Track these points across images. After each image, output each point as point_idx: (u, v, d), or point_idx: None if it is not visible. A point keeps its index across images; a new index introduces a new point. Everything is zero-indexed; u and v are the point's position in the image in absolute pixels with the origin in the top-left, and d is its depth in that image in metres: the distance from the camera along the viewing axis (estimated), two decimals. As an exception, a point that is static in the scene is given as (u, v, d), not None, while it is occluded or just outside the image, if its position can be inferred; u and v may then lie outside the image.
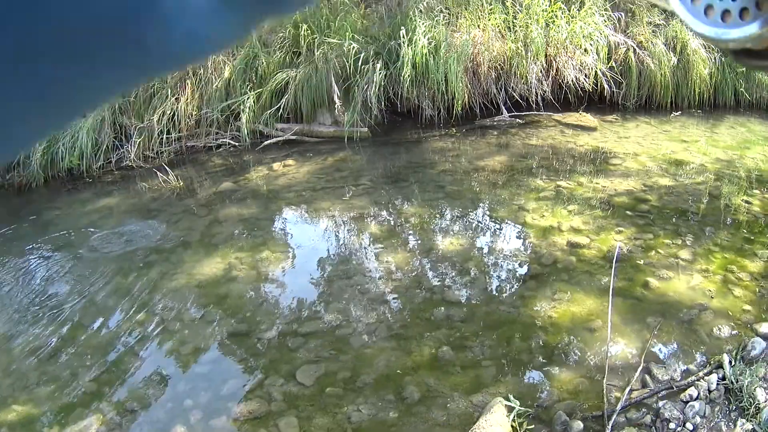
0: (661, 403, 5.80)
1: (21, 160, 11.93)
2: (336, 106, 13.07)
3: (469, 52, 13.08)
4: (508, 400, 5.65)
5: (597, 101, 13.70)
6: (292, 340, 6.89)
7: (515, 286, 7.92)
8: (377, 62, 13.03)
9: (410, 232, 9.44)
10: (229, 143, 13.33)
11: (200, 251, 9.04)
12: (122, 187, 11.98)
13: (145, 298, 7.92)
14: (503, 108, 13.46)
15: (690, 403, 5.73)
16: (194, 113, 13.23)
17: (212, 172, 12.32)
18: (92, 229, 10.10)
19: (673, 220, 9.15)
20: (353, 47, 13.07)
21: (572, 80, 13.08)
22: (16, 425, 5.98)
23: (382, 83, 13.00)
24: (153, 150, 12.89)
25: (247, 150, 13.05)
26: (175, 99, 13.11)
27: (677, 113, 13.63)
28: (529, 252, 8.66)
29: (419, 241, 9.12)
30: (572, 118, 13.20)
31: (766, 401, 5.64)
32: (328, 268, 8.61)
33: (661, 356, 6.50)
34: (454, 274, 8.19)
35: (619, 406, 5.73)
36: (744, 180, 10.70)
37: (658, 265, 7.95)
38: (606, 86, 13.22)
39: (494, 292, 7.80)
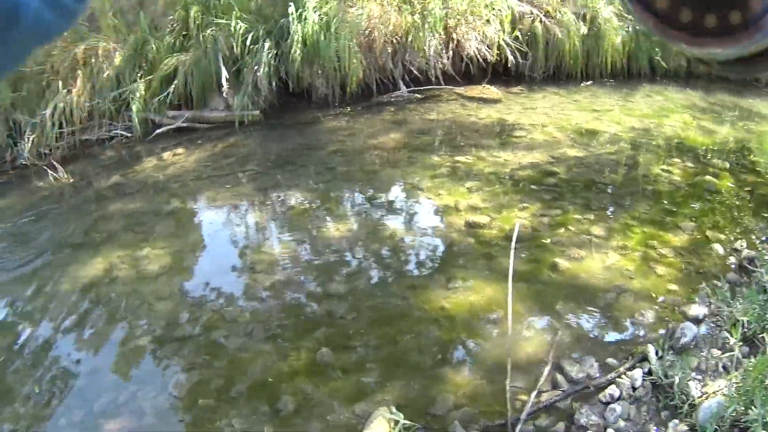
0: (576, 406, 4.78)
1: None
2: (224, 89, 11.93)
3: (363, 27, 11.95)
4: (390, 411, 4.66)
5: (502, 73, 12.53)
6: (167, 346, 6.12)
7: (406, 275, 6.77)
8: (267, 42, 11.93)
9: (295, 218, 8.32)
10: (121, 134, 12.20)
11: (84, 251, 8.15)
12: (15, 187, 10.96)
13: (24, 309, 7.16)
14: (401, 83, 12.33)
15: (611, 405, 4.76)
16: (86, 105, 12.06)
17: (103, 166, 11.32)
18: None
19: (584, 193, 7.99)
20: (240, 27, 11.97)
21: (474, 52, 11.96)
22: None
23: (273, 63, 11.97)
24: (47, 146, 11.73)
25: (139, 140, 11.98)
26: (67, 91, 11.94)
27: (588, 83, 12.57)
28: (422, 235, 7.51)
29: (303, 230, 7.99)
30: (474, 91, 12.04)
31: (701, 396, 4.71)
32: (207, 263, 7.70)
33: (575, 350, 5.40)
34: (339, 263, 7.12)
35: (525, 413, 4.70)
36: (662, 148, 9.65)
37: (568, 243, 6.82)
38: (510, 57, 12.11)
39: (382, 283, 6.72)
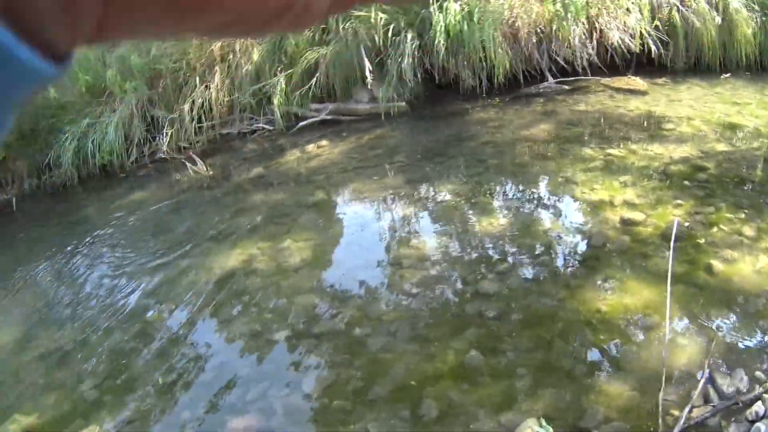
0: (724, 424, 4.52)
1: (53, 160, 12.04)
2: (368, 81, 11.98)
3: (505, 16, 11.90)
4: (540, 424, 4.49)
5: (645, 64, 12.27)
6: (304, 343, 6.12)
7: (559, 274, 6.60)
8: (409, 33, 11.96)
9: (445, 212, 8.30)
10: (263, 128, 12.58)
11: (223, 242, 8.42)
12: (154, 180, 11.66)
13: (161, 297, 7.42)
14: (548, 74, 12.22)
15: (756, 423, 4.39)
16: (225, 100, 12.54)
17: (245, 159, 11.67)
18: (118, 226, 9.86)
19: (734, 190, 7.74)
20: (381, 19, 12.02)
21: (617, 42, 11.76)
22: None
23: (417, 54, 11.99)
24: (186, 140, 12.30)
25: (281, 133, 12.30)
26: (205, 87, 12.41)
27: (727, 75, 12.09)
28: (577, 232, 7.40)
29: (454, 223, 7.99)
30: (621, 82, 11.85)
31: None
32: (351, 257, 7.81)
33: (726, 361, 5.10)
34: (491, 261, 6.99)
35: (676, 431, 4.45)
36: None
37: (721, 244, 6.58)
38: (653, 47, 11.82)
39: (535, 282, 6.51)
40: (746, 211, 7.12)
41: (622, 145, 9.29)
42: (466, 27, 11.65)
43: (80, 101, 12.77)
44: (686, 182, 7.93)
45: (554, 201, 8.27)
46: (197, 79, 12.44)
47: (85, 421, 5.61)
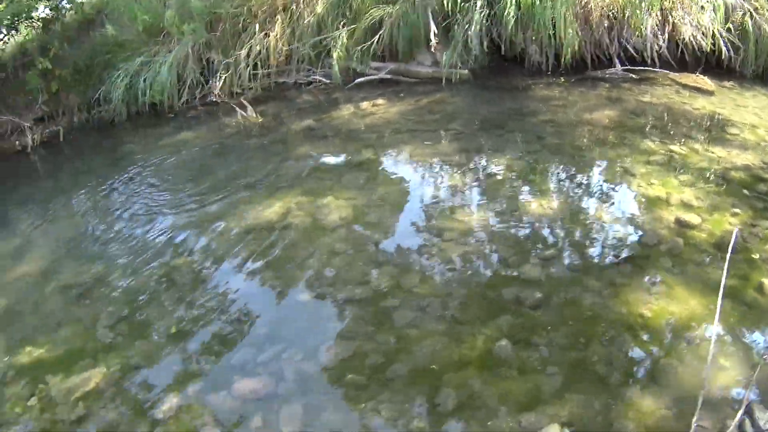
0: None
1: (104, 95, 12.37)
2: (432, 45, 11.74)
3: None
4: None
5: (714, 65, 11.74)
6: (329, 308, 5.94)
7: (606, 269, 6.21)
8: (479, 0, 11.60)
9: (495, 187, 8.01)
10: (320, 80, 12.46)
11: (261, 192, 8.34)
12: (203, 123, 11.81)
13: (190, 243, 7.39)
14: (616, 60, 11.84)
15: None
16: (284, 49, 12.44)
17: (297, 109, 11.58)
18: (161, 165, 9.91)
19: None
20: None
21: (689, 39, 11.31)
22: (24, 369, 5.68)
23: (485, 23, 11.69)
24: (240, 86, 12.30)
25: (338, 88, 12.19)
26: (265, 35, 12.31)
27: None
28: (630, 226, 6.97)
29: (504, 200, 7.66)
30: (689, 79, 11.35)
31: None
32: (390, 223, 7.43)
33: (767, 392, 4.67)
34: (536, 244, 6.67)
35: (702, 463, 4.03)
36: None
37: None
38: (724, 49, 11.30)
39: (581, 274, 6.15)
40: (806, 233, 6.70)
41: (684, 143, 8.86)
42: (538, 2, 11.25)
43: (137, 40, 12.83)
44: (746, 191, 7.49)
45: (609, 190, 7.89)
46: (257, 26, 12.32)
47: (94, 360, 5.60)
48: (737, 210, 7.04)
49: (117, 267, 7.04)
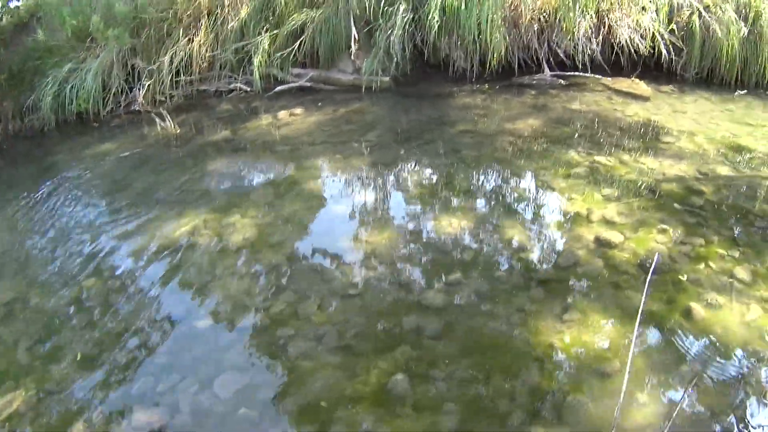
0: None
1: (33, 103, 11.80)
2: (351, 51, 11.15)
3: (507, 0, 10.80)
4: None
5: (653, 68, 11.17)
6: (226, 335, 5.54)
7: (517, 294, 5.58)
8: (402, 4, 10.98)
9: (405, 204, 7.49)
10: (240, 88, 11.95)
11: (172, 209, 7.85)
12: (125, 132, 11.21)
13: (103, 263, 6.90)
14: (545, 66, 11.19)
15: None
16: (207, 55, 11.92)
17: (216, 119, 11.06)
18: (82, 177, 9.48)
19: (731, 222, 6.60)
20: None
21: (626, 41, 10.66)
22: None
23: (408, 28, 11.06)
24: (162, 93, 11.81)
25: (258, 96, 11.66)
26: (188, 40, 11.77)
27: (742, 91, 10.84)
28: (545, 246, 6.35)
29: (413, 218, 7.14)
30: (623, 84, 10.75)
31: None
32: (293, 244, 6.83)
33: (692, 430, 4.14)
34: (442, 267, 6.06)
35: None
36: None
37: (707, 284, 5.52)
38: (664, 52, 10.70)
39: (488, 299, 5.57)
40: (742, 249, 6.04)
41: (612, 153, 8.21)
42: (463, 5, 10.60)
43: (67, 46, 12.38)
44: (677, 205, 6.82)
45: (525, 207, 7.24)
46: (181, 31, 11.83)
47: (15, 383, 5.29)
48: (665, 226, 6.39)
49: (35, 286, 6.68)
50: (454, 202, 7.43)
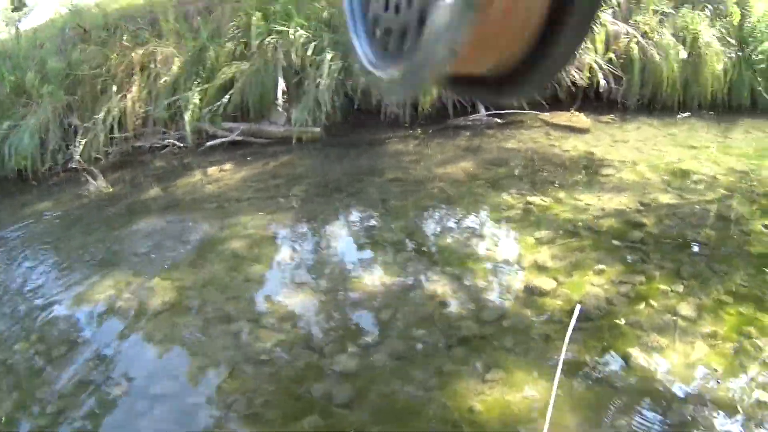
0: None
1: None
2: (278, 102, 10.70)
3: None
4: None
5: (593, 99, 10.74)
6: (140, 403, 5.09)
7: (436, 354, 5.07)
8: (330, 53, 10.61)
9: (322, 263, 6.97)
10: (173, 144, 11.46)
11: (97, 271, 7.42)
12: (62, 190, 10.86)
13: (29, 329, 6.48)
14: (481, 106, 10.69)
15: None
16: (141, 111, 11.55)
17: (149, 176, 10.77)
18: (16, 238, 9.19)
19: (674, 254, 6.08)
20: (301, 36, 10.79)
21: (562, 74, 10.15)
22: None
23: (337, 76, 10.64)
24: (99, 151, 11.39)
25: (191, 151, 11.21)
26: (122, 96, 11.42)
27: (685, 114, 10.63)
28: (469, 300, 5.72)
29: (329, 277, 6.58)
30: (562, 117, 10.32)
31: None
32: (210, 308, 6.29)
33: None
34: (357, 329, 5.61)
35: None
36: (765, 198, 7.58)
37: (648, 325, 5.00)
38: (603, 81, 10.35)
39: (405, 362, 5.05)
40: (686, 282, 5.55)
41: (547, 192, 7.67)
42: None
43: (7, 101, 12.13)
44: (616, 242, 6.31)
45: (450, 258, 6.60)
46: (114, 88, 11.48)
47: None
48: (602, 266, 5.87)
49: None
50: (376, 256, 6.91)
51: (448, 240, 7.04)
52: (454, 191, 8.18)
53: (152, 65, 11.64)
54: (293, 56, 10.69)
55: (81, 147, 11.30)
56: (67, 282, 7.28)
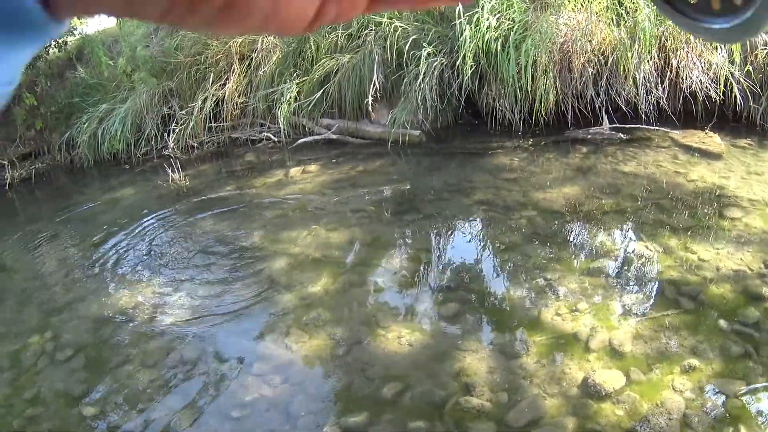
0: None
1: (73, 139, 12.12)
2: (367, 101, 9.52)
3: (557, 39, 8.59)
4: None
5: (730, 118, 8.64)
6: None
7: None
8: (432, 49, 9.30)
9: (351, 305, 5.57)
10: (269, 138, 10.74)
11: (137, 272, 7.05)
12: (147, 179, 10.78)
13: (51, 322, 6.25)
14: (604, 116, 8.83)
15: None
16: (239, 101, 11.01)
17: (232, 172, 10.25)
18: (86, 223, 9.24)
19: None
20: (398, 29, 9.60)
21: (696, 86, 8.32)
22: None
23: (443, 76, 9.33)
24: (195, 139, 11.20)
25: (285, 147, 10.44)
26: (221, 85, 10.96)
27: None
28: (501, 386, 4.13)
29: (349, 326, 5.21)
30: (694, 138, 8.31)
31: None
32: (208, 338, 5.46)
33: None
34: (351, 401, 4.33)
35: None
36: None
37: None
38: (739, 98, 8.27)
39: None
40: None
41: (656, 238, 5.84)
42: (499, 47, 8.61)
43: (108, 84, 12.33)
44: (722, 322, 4.47)
45: (502, 323, 4.96)
46: (212, 76, 11.10)
47: None
48: (695, 360, 4.09)
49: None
50: (415, 306, 5.40)
51: (511, 294, 5.34)
52: (543, 226, 6.46)
53: (255, 55, 10.96)
54: (393, 51, 9.48)
55: (175, 135, 11.15)
56: (92, 284, 6.93)
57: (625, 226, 6.21)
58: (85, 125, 11.65)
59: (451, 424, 3.92)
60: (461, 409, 3.96)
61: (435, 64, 8.99)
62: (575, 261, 5.61)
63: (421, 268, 6.03)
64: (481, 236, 6.61)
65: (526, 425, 3.71)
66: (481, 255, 6.18)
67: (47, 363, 5.47)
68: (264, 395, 4.43)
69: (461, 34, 8.74)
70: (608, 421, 3.65)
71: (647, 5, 8.15)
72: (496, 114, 9.24)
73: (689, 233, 5.88)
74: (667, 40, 8.37)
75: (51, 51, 13.40)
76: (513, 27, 8.67)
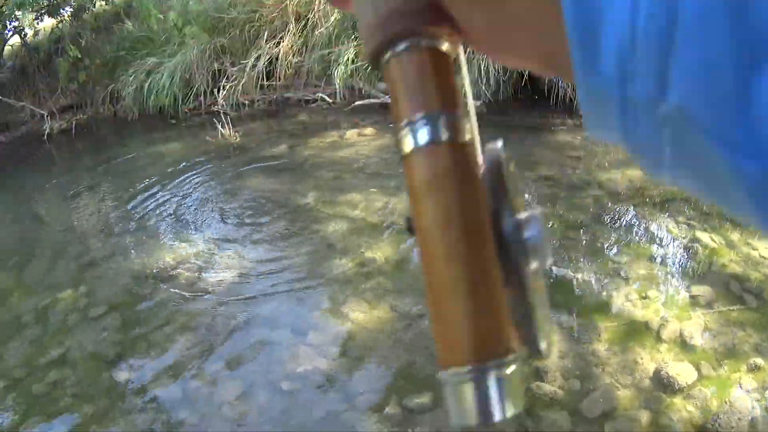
0: None
1: (118, 92, 12.42)
2: None
3: None
4: None
5: None
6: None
7: None
8: None
9: (409, 278, 5.28)
10: (323, 98, 10.68)
11: (181, 228, 7.00)
12: (194, 135, 10.81)
13: (86, 280, 6.12)
14: None
15: None
16: (293, 61, 10.98)
17: (284, 131, 10.13)
18: (125, 178, 9.17)
19: None
20: None
21: None
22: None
23: None
24: (247, 96, 11.14)
25: (339, 109, 10.36)
26: (276, 44, 10.93)
27: None
28: (574, 373, 4.00)
29: (418, 299, 4.90)
30: None
31: None
32: (256, 305, 5.26)
33: None
34: (414, 381, 4.12)
35: None
36: None
37: None
38: None
39: None
40: None
41: (719, 229, 5.59)
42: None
43: (157, 38, 12.38)
44: None
45: (573, 304, 4.78)
46: (267, 34, 11.12)
47: None
48: (760, 359, 3.91)
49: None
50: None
51: (580, 275, 5.14)
52: (609, 207, 6.30)
53: (311, 14, 10.90)
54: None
55: (226, 91, 11.15)
56: (135, 239, 6.93)
57: (690, 213, 6.05)
58: (131, 78, 11.86)
59: (521, 411, 3.74)
60: (532, 395, 3.82)
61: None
62: (642, 245, 5.46)
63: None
64: (547, 212, 6.37)
65: (600, 416, 3.60)
66: (553, 232, 6.02)
67: (78, 321, 5.29)
68: (318, 368, 4.28)
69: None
70: (680, 417, 3.54)
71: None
72: (559, 91, 9.13)
73: (750, 228, 5.69)
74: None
75: (98, 4, 13.54)
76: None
